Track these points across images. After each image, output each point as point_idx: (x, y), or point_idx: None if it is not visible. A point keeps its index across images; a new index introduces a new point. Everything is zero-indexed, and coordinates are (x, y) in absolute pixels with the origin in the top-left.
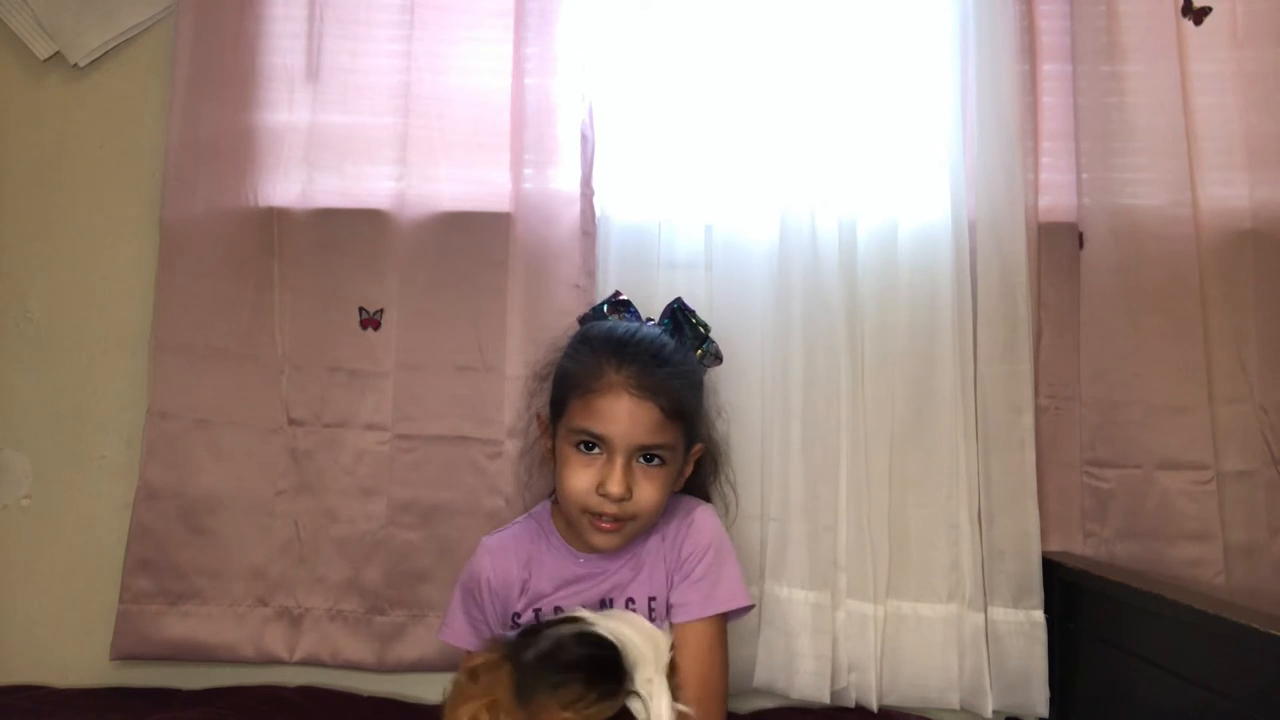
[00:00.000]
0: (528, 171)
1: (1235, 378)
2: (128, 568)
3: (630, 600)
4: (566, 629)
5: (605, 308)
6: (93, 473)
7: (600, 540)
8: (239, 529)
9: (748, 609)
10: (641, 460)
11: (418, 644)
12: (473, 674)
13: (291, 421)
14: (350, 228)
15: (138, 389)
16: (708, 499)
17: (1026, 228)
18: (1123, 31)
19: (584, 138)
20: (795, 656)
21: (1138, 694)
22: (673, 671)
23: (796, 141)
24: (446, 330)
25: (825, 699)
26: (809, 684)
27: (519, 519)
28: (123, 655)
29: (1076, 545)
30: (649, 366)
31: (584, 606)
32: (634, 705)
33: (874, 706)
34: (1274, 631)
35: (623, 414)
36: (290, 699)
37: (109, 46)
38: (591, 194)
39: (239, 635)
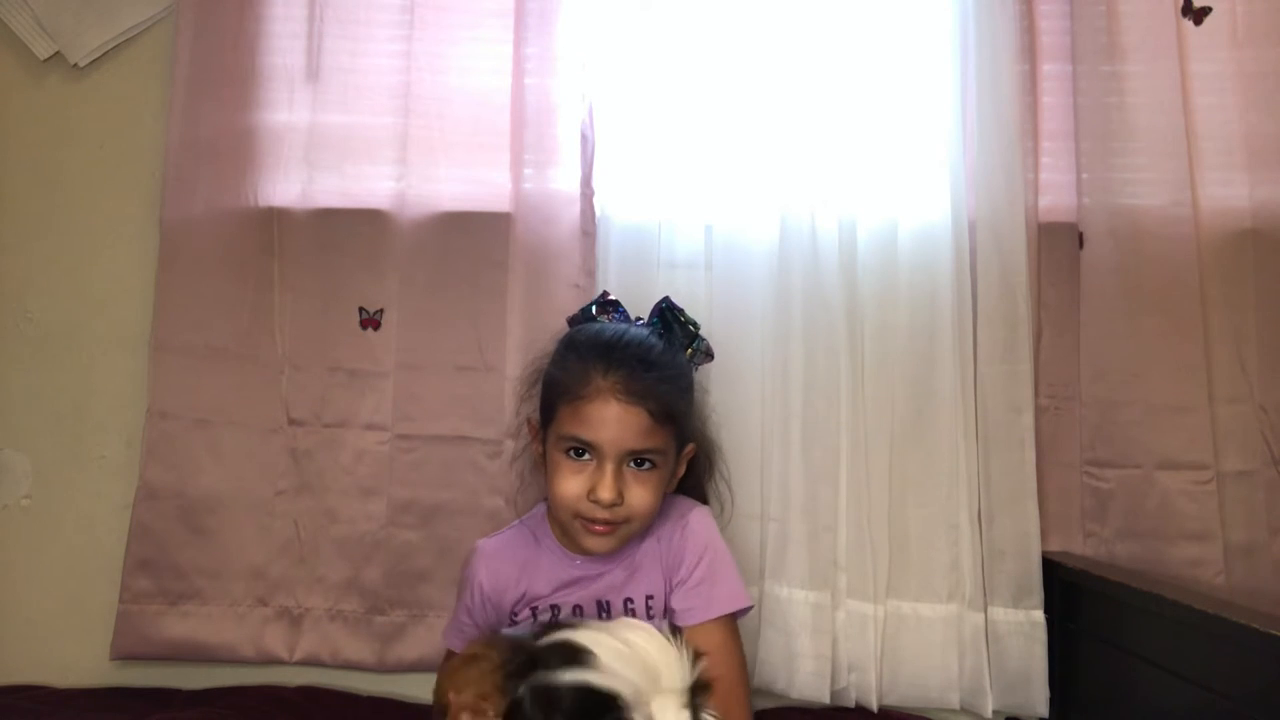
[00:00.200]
0: (528, 171)
1: (1235, 378)
2: (128, 568)
3: (629, 600)
4: (565, 677)
5: (594, 308)
6: (93, 473)
7: (594, 543)
8: (239, 529)
9: (746, 610)
10: (632, 465)
11: (418, 644)
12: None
13: (291, 421)
14: (350, 228)
15: (138, 389)
16: (703, 497)
17: (1026, 228)
18: (1123, 31)
19: (584, 138)
20: (795, 656)
21: (1138, 694)
22: (700, 690)
23: (796, 141)
24: (446, 330)
25: (825, 699)
26: (809, 684)
27: (515, 522)
28: (123, 655)
29: (1076, 545)
30: (636, 371)
31: (580, 608)
32: None
33: (874, 706)
34: (1274, 631)
35: (611, 420)
36: (290, 699)
37: (109, 46)
38: (591, 194)
39: (239, 635)
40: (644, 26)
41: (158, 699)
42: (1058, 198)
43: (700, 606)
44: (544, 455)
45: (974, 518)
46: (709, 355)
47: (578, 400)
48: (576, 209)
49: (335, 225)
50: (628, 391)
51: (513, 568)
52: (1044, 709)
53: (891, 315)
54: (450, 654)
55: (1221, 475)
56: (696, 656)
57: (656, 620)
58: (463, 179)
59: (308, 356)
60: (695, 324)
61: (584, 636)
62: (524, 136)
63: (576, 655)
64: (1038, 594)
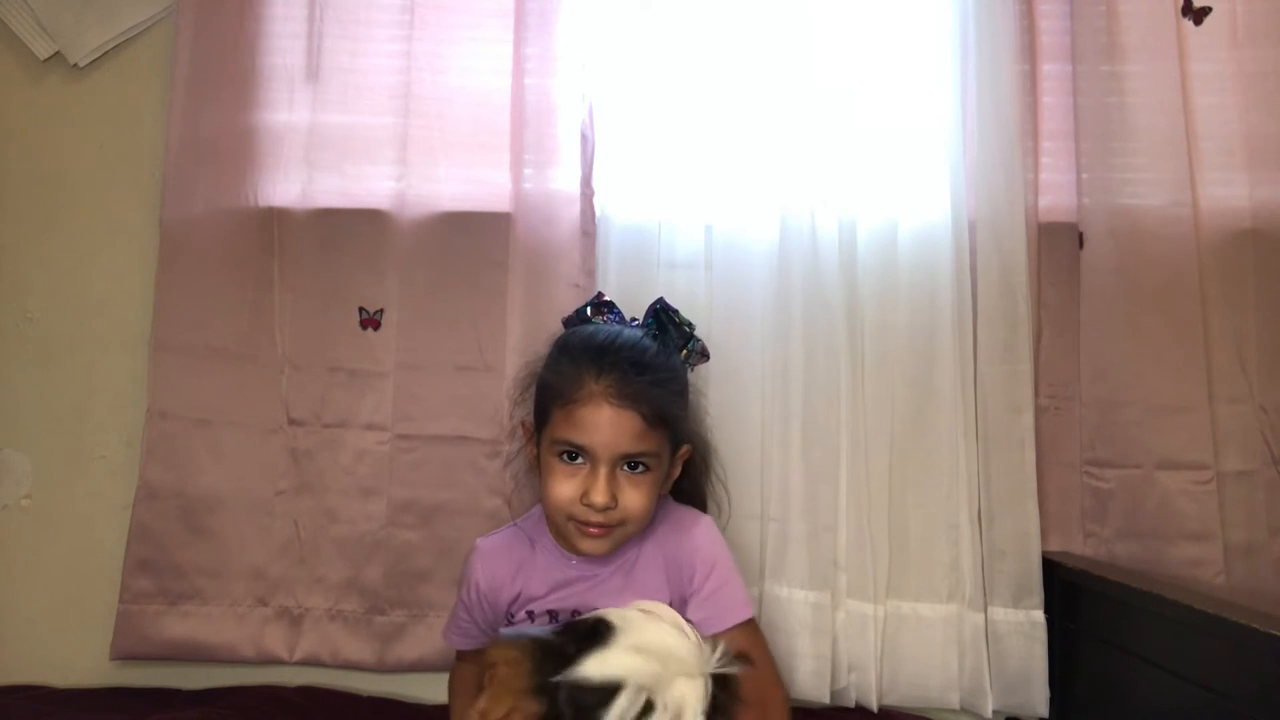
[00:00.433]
0: (528, 171)
1: (1235, 378)
2: (128, 568)
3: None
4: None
5: (589, 309)
6: (93, 473)
7: (588, 546)
8: (239, 529)
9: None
10: (626, 467)
11: (418, 644)
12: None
13: (291, 421)
14: (350, 228)
15: (138, 389)
16: (701, 499)
17: (1026, 228)
18: (1123, 31)
19: (584, 138)
20: (795, 656)
21: (1138, 694)
22: (726, 686)
23: (796, 141)
24: (446, 330)
25: (825, 699)
26: (809, 684)
27: (513, 522)
28: (123, 655)
29: (1076, 545)
30: (628, 374)
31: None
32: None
33: (874, 706)
34: (1274, 631)
35: (604, 423)
36: (290, 699)
37: (109, 46)
38: (591, 194)
39: (239, 635)
40: (644, 26)
41: (158, 699)
42: (1058, 198)
43: (717, 616)
44: (538, 458)
45: (974, 518)
46: (704, 356)
47: (570, 404)
48: (576, 209)
49: (335, 225)
50: (620, 395)
51: (508, 567)
52: (1044, 709)
53: (891, 315)
54: (460, 655)
55: (1221, 475)
56: (723, 650)
57: None
58: (463, 179)
59: (308, 356)
60: (690, 325)
61: (610, 618)
62: (524, 136)
63: (601, 640)
64: (1038, 594)
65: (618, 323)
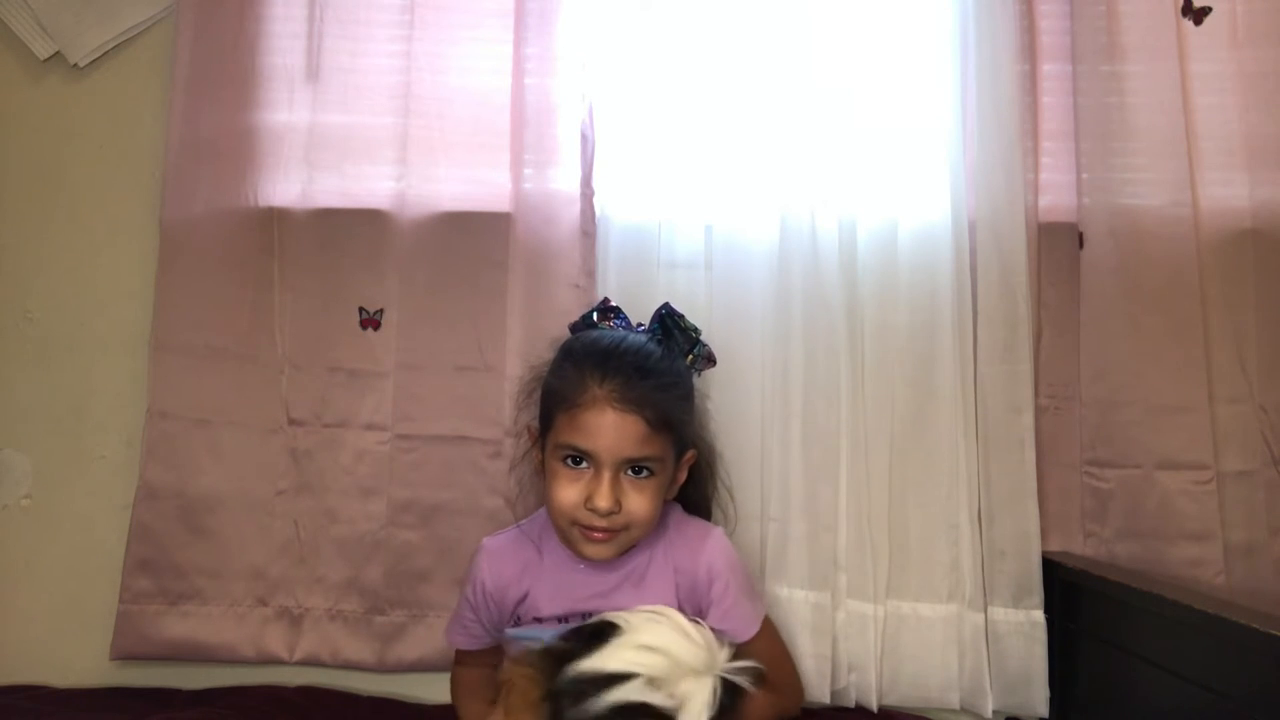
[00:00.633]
0: (528, 171)
1: (1235, 378)
2: (128, 568)
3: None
4: (598, 669)
5: (595, 315)
6: (93, 473)
7: (592, 550)
8: (239, 529)
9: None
10: (630, 472)
11: (418, 644)
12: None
13: (291, 421)
14: (350, 228)
15: (138, 389)
16: (706, 504)
17: (1026, 228)
18: (1123, 31)
19: (584, 138)
20: (795, 656)
21: (1138, 694)
22: (734, 690)
23: (796, 141)
24: (446, 330)
25: (825, 699)
26: (809, 684)
27: (521, 522)
28: (123, 655)
29: (1076, 545)
30: (632, 379)
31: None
32: None
33: (874, 706)
34: (1274, 631)
35: (608, 428)
36: (290, 699)
37: (109, 46)
38: (591, 194)
39: (239, 635)
40: (644, 26)
41: (158, 699)
42: (1058, 198)
43: (735, 628)
44: (543, 463)
45: (974, 518)
46: (710, 361)
47: (574, 408)
48: (576, 209)
49: (335, 225)
50: (624, 399)
51: (514, 568)
52: (1044, 709)
53: (891, 315)
54: (460, 657)
55: (1221, 475)
56: (733, 653)
57: None
58: (463, 179)
59: (308, 356)
60: (696, 329)
61: (616, 620)
62: (524, 136)
63: (607, 640)
64: (1038, 594)
65: (624, 328)
